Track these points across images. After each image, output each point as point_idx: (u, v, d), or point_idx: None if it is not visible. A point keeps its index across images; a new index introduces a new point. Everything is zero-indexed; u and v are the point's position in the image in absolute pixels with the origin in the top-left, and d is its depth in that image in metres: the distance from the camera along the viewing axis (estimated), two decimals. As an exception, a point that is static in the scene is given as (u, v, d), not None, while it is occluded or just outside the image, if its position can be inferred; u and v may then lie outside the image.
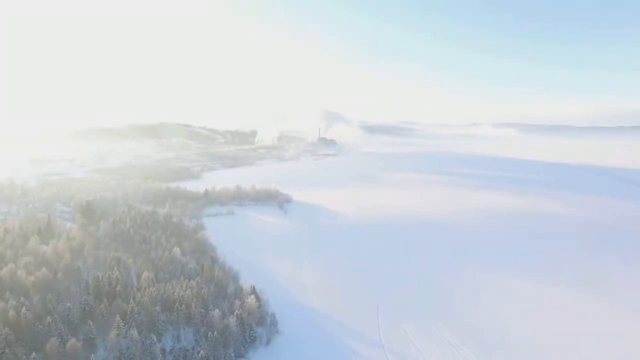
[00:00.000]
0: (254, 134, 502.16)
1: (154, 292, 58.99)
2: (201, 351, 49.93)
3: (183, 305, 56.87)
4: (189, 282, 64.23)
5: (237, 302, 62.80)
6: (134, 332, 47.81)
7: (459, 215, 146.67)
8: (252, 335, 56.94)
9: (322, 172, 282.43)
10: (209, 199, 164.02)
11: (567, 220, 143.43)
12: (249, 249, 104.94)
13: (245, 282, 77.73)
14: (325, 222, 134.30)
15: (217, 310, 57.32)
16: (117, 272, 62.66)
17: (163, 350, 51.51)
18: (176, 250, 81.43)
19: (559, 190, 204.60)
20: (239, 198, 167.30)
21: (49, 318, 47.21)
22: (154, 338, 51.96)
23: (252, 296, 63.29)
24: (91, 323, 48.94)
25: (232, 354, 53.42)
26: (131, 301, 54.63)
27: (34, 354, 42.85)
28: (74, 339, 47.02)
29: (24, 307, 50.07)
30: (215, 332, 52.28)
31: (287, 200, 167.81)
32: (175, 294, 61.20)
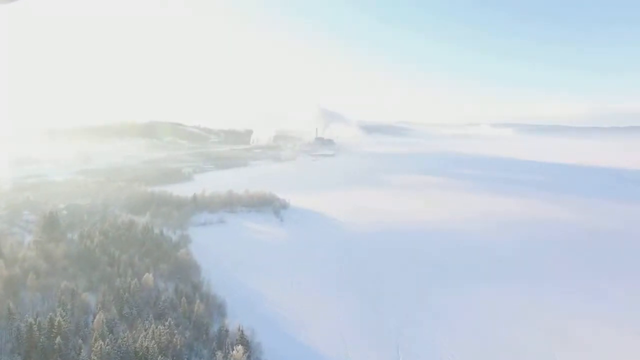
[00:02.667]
0: (249, 133, 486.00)
1: (107, 345, 44.05)
2: None
3: (144, 367, 42.16)
4: (156, 327, 49.23)
5: (220, 354, 48.07)
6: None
7: (477, 224, 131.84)
8: (237, 405, 42.42)
9: (320, 174, 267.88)
10: (198, 205, 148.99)
11: (585, 229, 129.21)
12: (240, 268, 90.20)
13: (233, 318, 63.22)
14: (327, 233, 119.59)
15: (189, 374, 42.68)
16: (59, 316, 47.64)
17: None
18: (148, 278, 66.43)
19: (566, 194, 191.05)
20: (231, 204, 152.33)
21: None
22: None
23: (240, 347, 48.59)
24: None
25: None
26: (70, 365, 39.74)
27: None
28: None
29: None
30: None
31: (284, 206, 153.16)
32: (138, 344, 46.38)
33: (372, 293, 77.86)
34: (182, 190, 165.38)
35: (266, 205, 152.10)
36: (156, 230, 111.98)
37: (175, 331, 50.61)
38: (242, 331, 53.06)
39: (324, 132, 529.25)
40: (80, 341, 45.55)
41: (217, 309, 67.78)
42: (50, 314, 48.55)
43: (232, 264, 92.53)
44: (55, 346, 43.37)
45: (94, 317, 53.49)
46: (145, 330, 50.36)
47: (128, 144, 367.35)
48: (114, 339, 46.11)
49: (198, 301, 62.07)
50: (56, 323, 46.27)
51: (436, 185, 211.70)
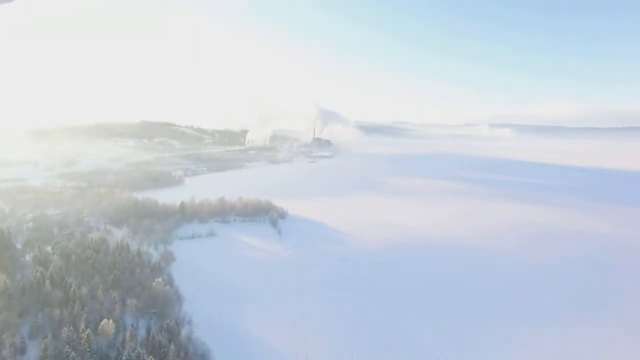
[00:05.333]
0: (244, 133, 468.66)
1: None
2: None
3: None
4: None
5: None
6: None
7: (515, 240, 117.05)
8: None
9: (319, 176, 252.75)
10: (186, 214, 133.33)
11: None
12: (231, 298, 74.96)
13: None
14: (333, 249, 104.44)
15: None
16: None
17: None
18: (107, 326, 50.82)
19: (596, 202, 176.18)
20: (223, 213, 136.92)
21: None
22: None
23: None
24: None
25: None
26: None
27: None
28: None
29: None
30: None
31: (282, 215, 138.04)
32: None
33: (404, 343, 62.22)
34: (170, 197, 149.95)
35: (262, 214, 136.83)
36: (135, 247, 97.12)
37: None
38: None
39: (322, 132, 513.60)
40: None
41: (199, 361, 52.57)
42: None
43: (222, 292, 77.28)
44: None
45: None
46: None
47: (116, 145, 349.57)
48: None
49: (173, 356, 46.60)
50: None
51: (446, 191, 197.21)
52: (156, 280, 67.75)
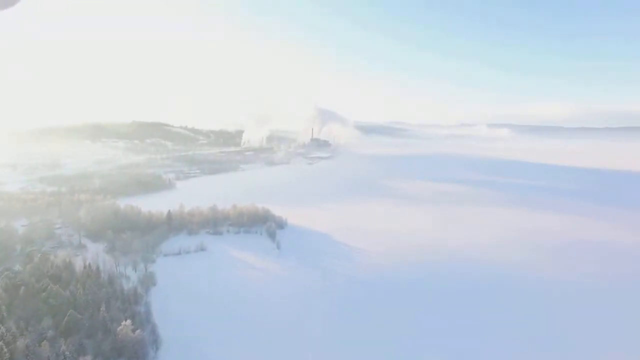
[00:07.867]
0: (240, 134, 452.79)
1: None
2: None
3: None
4: None
5: None
6: None
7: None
8: None
9: (319, 179, 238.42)
10: (173, 225, 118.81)
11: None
12: (223, 341, 60.32)
13: None
14: (341, 270, 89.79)
15: None
16: None
17: None
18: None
19: (608, 207, 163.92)
20: (215, 223, 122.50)
21: None
22: None
23: None
24: None
25: None
26: None
27: None
28: None
29: None
30: None
31: (281, 225, 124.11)
32: None
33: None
34: (159, 203, 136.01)
35: (259, 224, 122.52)
36: (109, 267, 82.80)
37: None
38: None
39: (320, 132, 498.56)
40: None
41: None
42: None
43: (212, 332, 62.69)
44: None
45: None
46: None
47: (105, 146, 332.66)
48: None
49: None
50: None
51: (451, 195, 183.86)
52: (123, 323, 52.83)
